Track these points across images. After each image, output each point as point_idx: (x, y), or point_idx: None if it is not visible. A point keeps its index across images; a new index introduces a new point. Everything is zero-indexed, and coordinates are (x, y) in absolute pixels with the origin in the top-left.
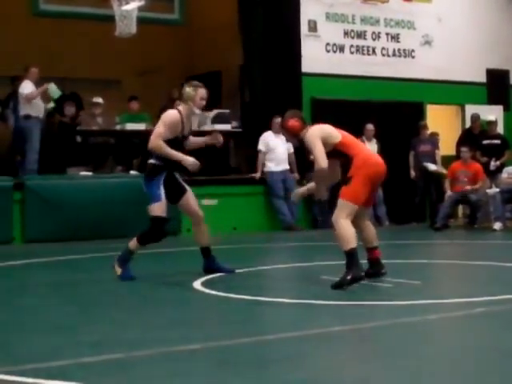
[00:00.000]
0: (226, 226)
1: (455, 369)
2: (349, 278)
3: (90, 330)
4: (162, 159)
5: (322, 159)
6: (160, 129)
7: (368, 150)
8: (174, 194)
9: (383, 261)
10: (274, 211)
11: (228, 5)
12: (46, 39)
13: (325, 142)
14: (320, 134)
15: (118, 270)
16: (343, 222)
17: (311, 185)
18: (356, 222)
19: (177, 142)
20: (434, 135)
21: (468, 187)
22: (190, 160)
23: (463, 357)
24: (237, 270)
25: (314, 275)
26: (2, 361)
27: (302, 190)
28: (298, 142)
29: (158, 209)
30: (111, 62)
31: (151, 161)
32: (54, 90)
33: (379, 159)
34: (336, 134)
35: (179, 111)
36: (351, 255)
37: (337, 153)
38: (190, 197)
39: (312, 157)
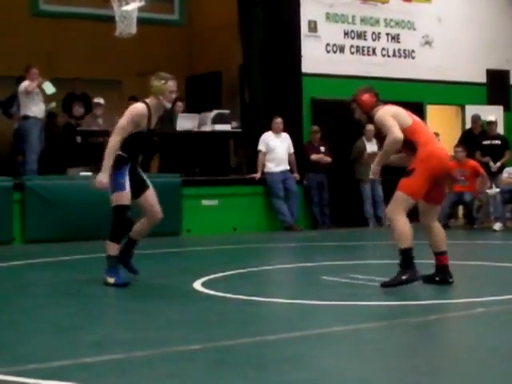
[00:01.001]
0: (226, 226)
1: (456, 369)
2: (404, 278)
3: (90, 331)
4: (126, 152)
5: (397, 130)
6: (124, 123)
7: (435, 140)
8: (135, 189)
9: (385, 261)
10: (274, 211)
11: (228, 5)
12: (45, 39)
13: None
14: (392, 114)
15: (111, 280)
16: (400, 219)
17: (379, 156)
18: (424, 221)
19: (141, 136)
20: (435, 135)
21: (478, 187)
22: (99, 176)
23: (464, 357)
24: (238, 271)
25: (314, 275)
26: (1, 361)
27: (376, 167)
28: (368, 119)
29: (122, 197)
30: (111, 62)
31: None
32: (48, 86)
33: (445, 153)
34: (407, 119)
35: (147, 105)
36: (407, 254)
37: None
38: (151, 194)
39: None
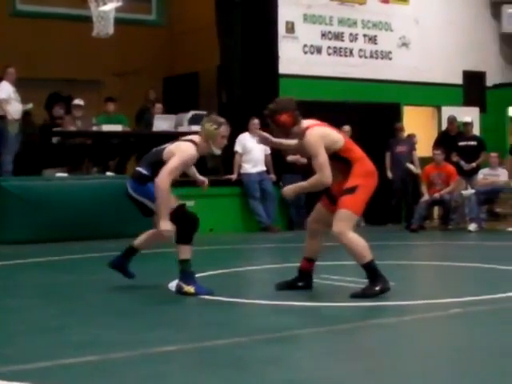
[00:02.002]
0: (203, 227)
1: (430, 369)
2: (377, 289)
3: (72, 332)
4: (151, 171)
5: (327, 172)
6: (175, 164)
7: (365, 156)
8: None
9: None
10: (251, 212)
11: (206, 6)
12: (24, 40)
13: (326, 148)
14: (323, 140)
15: (190, 289)
16: (352, 236)
17: (302, 185)
18: (316, 226)
19: None
20: (411, 136)
21: (442, 191)
22: (162, 225)
23: (438, 357)
24: (215, 272)
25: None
26: None
27: (294, 188)
28: (286, 136)
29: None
30: (90, 62)
31: (142, 171)
32: (29, 106)
33: (373, 168)
34: (338, 138)
35: (197, 147)
36: (371, 268)
37: (336, 157)
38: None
39: (313, 163)
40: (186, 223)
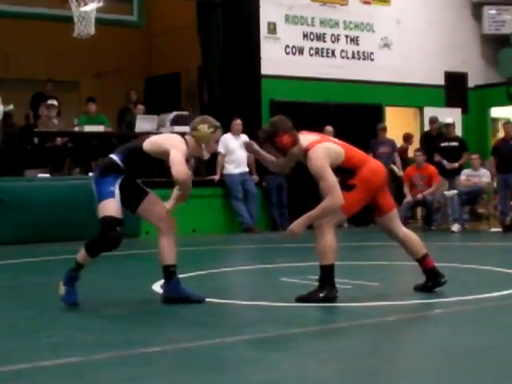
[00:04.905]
0: (185, 228)
1: (415, 369)
2: (321, 295)
3: (48, 334)
4: (126, 164)
5: (337, 193)
6: (179, 154)
7: (367, 156)
8: (133, 199)
9: (343, 262)
10: (234, 213)
11: (187, 6)
12: (4, 40)
13: (330, 164)
14: (328, 159)
15: (62, 289)
16: (329, 233)
17: (311, 214)
18: (392, 235)
19: (155, 162)
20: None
21: (424, 192)
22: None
23: (422, 357)
24: (197, 272)
25: (273, 277)
26: None
27: (303, 222)
28: (284, 156)
29: (110, 207)
30: (69, 63)
31: (113, 157)
32: (9, 107)
33: (380, 166)
34: (340, 152)
35: (187, 145)
36: (328, 271)
37: (340, 170)
38: (152, 200)
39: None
40: (105, 240)
